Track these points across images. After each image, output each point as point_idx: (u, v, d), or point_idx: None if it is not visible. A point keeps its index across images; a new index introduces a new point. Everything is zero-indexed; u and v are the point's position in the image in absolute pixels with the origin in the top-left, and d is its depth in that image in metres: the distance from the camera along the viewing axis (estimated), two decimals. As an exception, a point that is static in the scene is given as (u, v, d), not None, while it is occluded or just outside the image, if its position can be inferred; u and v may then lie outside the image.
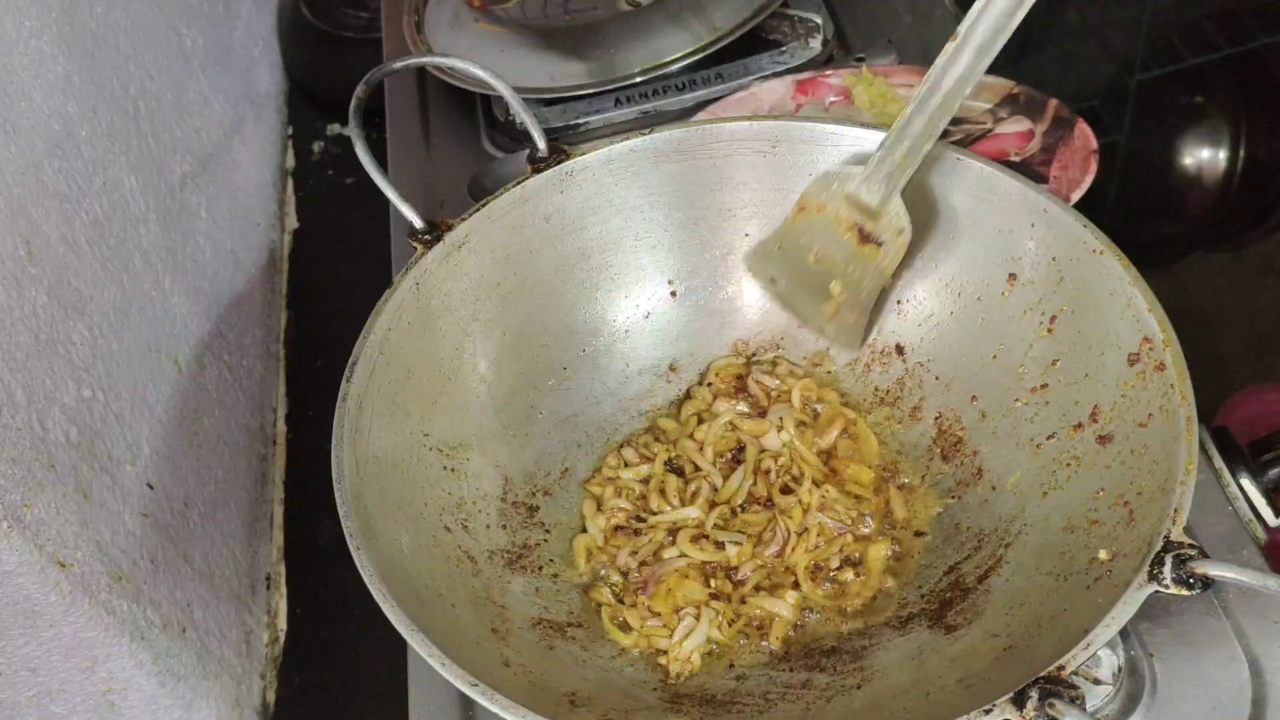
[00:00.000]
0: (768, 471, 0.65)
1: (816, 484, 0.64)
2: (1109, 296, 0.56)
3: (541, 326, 0.69)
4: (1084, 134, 0.76)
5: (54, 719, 0.75)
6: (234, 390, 1.03)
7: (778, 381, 0.69)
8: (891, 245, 0.62)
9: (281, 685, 0.96)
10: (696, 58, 0.89)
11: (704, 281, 0.72)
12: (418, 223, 0.64)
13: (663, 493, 0.65)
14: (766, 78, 0.88)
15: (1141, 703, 0.55)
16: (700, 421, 0.69)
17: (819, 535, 0.62)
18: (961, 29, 0.57)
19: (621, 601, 0.61)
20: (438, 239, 0.64)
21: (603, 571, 0.63)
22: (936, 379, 0.67)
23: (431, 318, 0.64)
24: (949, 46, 0.57)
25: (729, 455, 0.67)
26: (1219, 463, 0.63)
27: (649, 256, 0.71)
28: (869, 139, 0.65)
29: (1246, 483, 0.63)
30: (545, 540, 0.64)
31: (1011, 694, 0.43)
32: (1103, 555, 0.50)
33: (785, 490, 0.64)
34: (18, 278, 0.70)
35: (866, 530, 0.63)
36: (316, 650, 0.99)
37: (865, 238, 0.62)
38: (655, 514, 0.64)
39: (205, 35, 1.19)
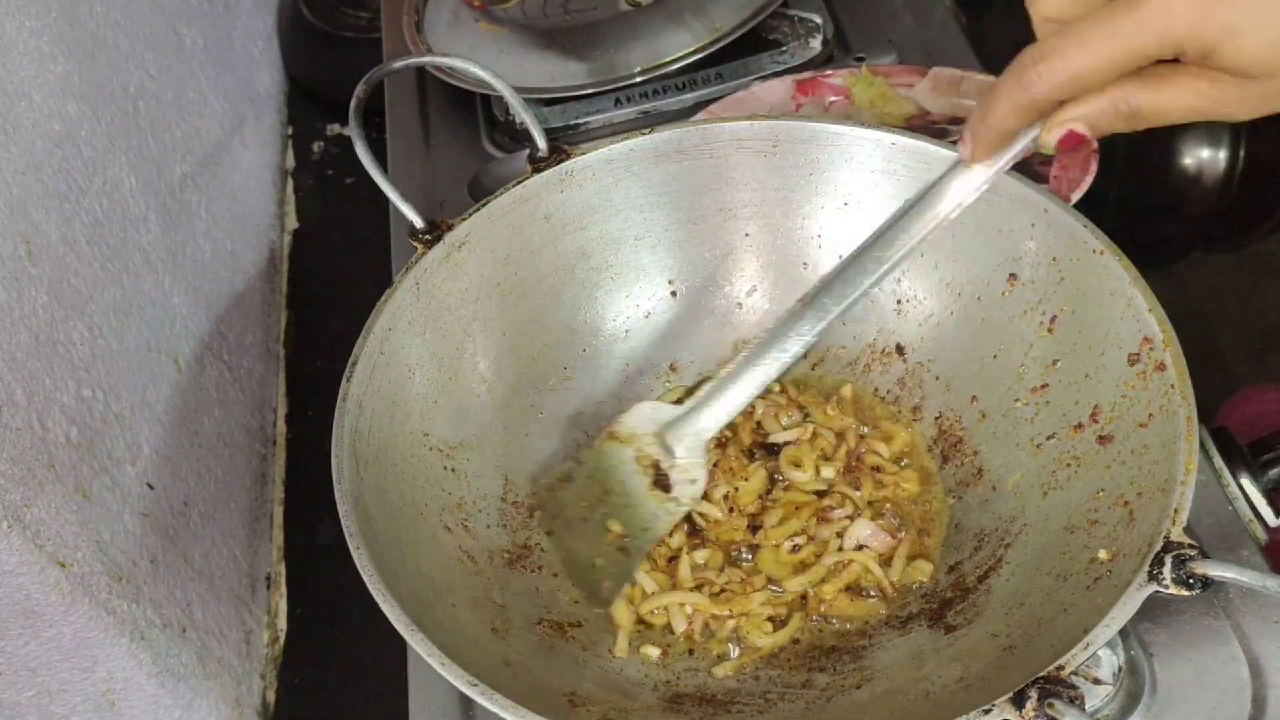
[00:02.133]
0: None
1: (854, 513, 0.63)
2: (1109, 296, 0.56)
3: (541, 326, 0.69)
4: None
5: (54, 719, 0.75)
6: (234, 390, 1.03)
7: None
8: (683, 495, 0.59)
9: (281, 685, 0.96)
10: (696, 58, 0.89)
11: (704, 281, 0.72)
12: (418, 222, 0.64)
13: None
14: (766, 78, 0.88)
15: (1141, 703, 0.55)
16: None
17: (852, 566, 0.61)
18: (808, 294, 0.56)
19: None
20: (438, 239, 0.64)
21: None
22: (936, 379, 0.67)
23: (432, 317, 0.64)
24: (785, 315, 0.56)
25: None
26: (1219, 463, 0.63)
27: (649, 256, 0.71)
28: (869, 139, 0.65)
29: (1246, 483, 0.63)
30: (545, 540, 0.64)
31: (1011, 694, 0.43)
32: (1103, 555, 0.50)
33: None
34: (18, 278, 0.70)
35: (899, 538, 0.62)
36: (316, 650, 0.99)
37: (659, 481, 0.59)
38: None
39: (205, 35, 1.19)
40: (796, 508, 0.63)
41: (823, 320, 0.55)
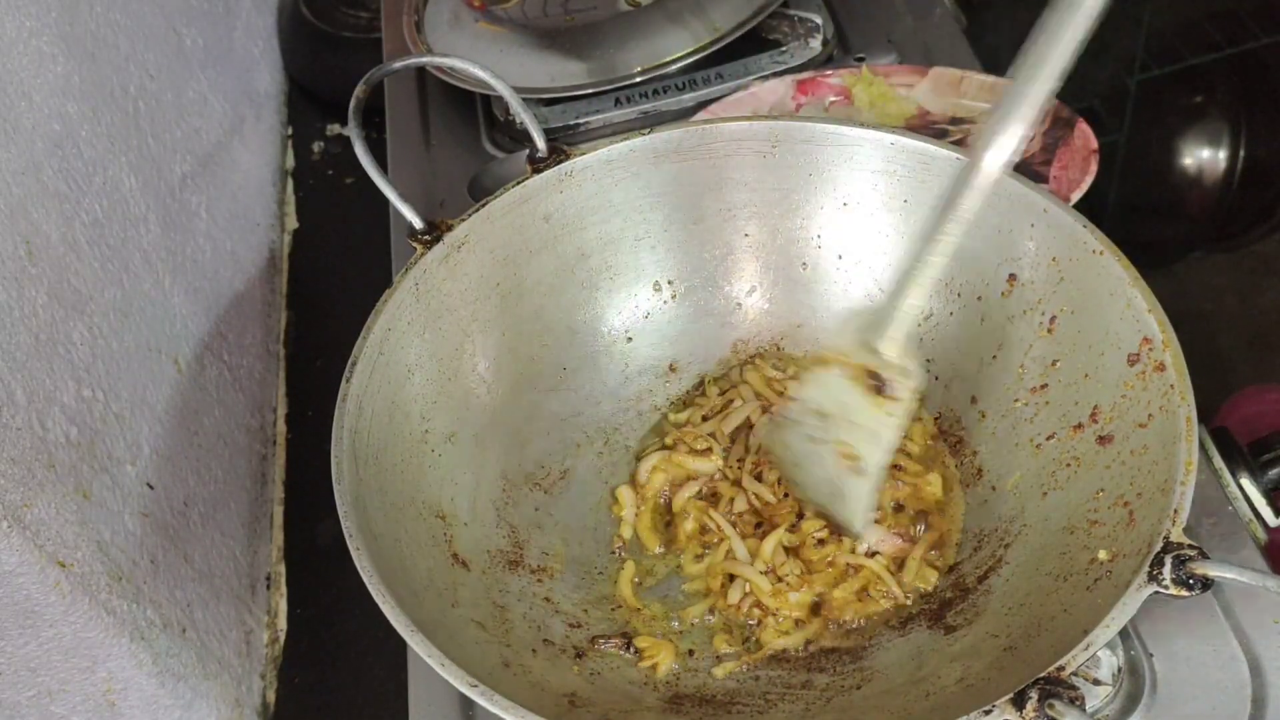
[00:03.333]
0: None
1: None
2: (1109, 297, 0.56)
3: (541, 326, 0.69)
4: (1084, 134, 0.76)
5: (54, 719, 0.75)
6: (234, 390, 1.03)
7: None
8: (901, 392, 0.56)
9: (281, 685, 0.96)
10: (696, 58, 0.89)
11: (704, 281, 0.72)
12: (418, 223, 0.64)
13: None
14: (766, 78, 0.88)
15: (1141, 703, 0.55)
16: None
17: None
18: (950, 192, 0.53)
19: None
20: (437, 239, 0.64)
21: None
22: (936, 379, 0.67)
23: (431, 318, 0.64)
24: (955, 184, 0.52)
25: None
26: (1219, 463, 0.63)
27: (649, 256, 0.71)
28: (869, 139, 0.65)
29: (1246, 483, 0.63)
30: (545, 540, 0.64)
31: (1011, 694, 0.43)
32: (1103, 556, 0.50)
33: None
34: (18, 278, 0.70)
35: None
36: (316, 650, 0.99)
37: (875, 386, 0.57)
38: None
39: (205, 35, 1.19)
40: None
41: (974, 196, 0.51)
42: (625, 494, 0.66)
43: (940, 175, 0.64)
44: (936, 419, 0.66)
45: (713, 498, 0.65)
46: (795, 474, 0.62)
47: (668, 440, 0.69)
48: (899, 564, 0.61)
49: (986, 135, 0.50)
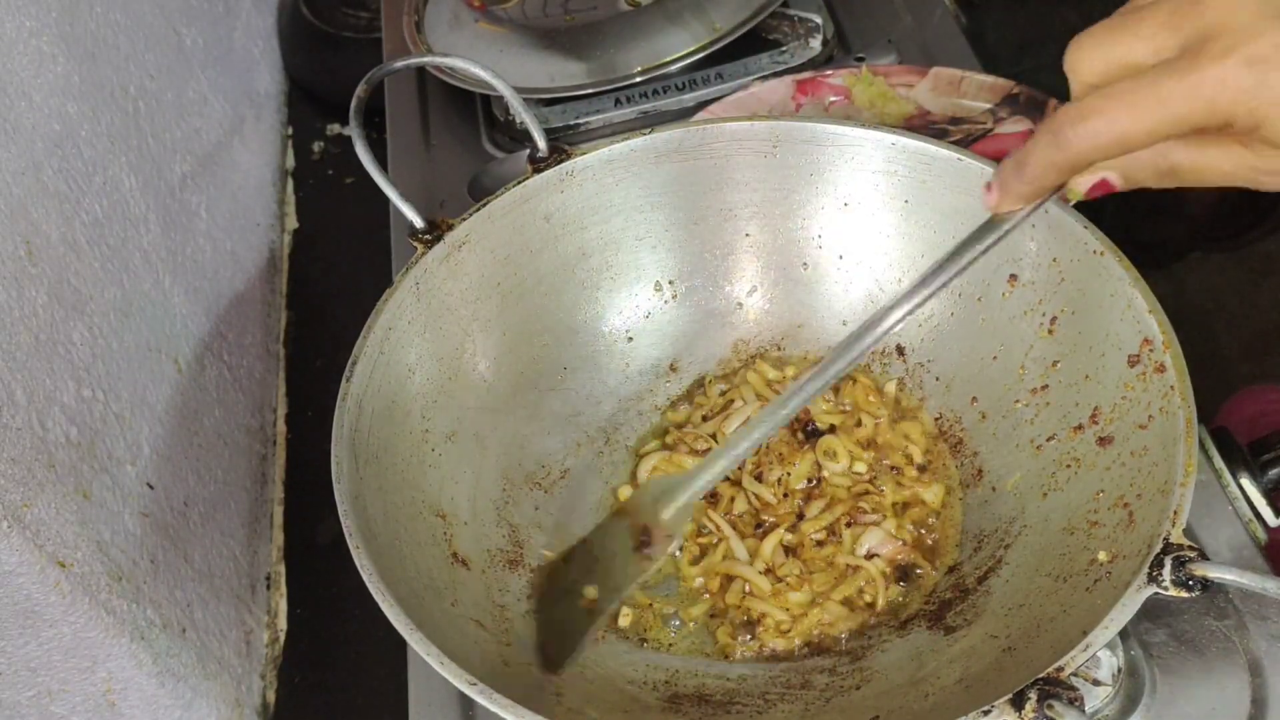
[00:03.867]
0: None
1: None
2: (1109, 298, 0.56)
3: (542, 326, 0.69)
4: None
5: (54, 719, 0.75)
6: (234, 390, 1.03)
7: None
8: (658, 552, 0.59)
9: (281, 685, 0.96)
10: (696, 58, 0.89)
11: (704, 281, 0.72)
12: (418, 222, 0.64)
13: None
14: (766, 78, 0.88)
15: (1141, 703, 0.55)
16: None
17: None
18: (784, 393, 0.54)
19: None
20: (438, 239, 0.64)
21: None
22: (936, 380, 0.67)
23: (432, 317, 0.64)
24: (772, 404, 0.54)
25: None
26: (1219, 463, 0.63)
27: (649, 256, 0.71)
28: (869, 139, 0.65)
29: (1246, 483, 0.63)
30: (545, 540, 0.64)
31: (1010, 695, 0.43)
32: (1102, 557, 0.50)
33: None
34: (18, 278, 0.70)
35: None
36: (316, 650, 0.99)
37: (642, 544, 0.59)
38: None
39: (205, 35, 1.19)
40: (834, 502, 0.64)
41: (819, 384, 0.52)
42: (626, 494, 0.66)
43: (940, 175, 0.64)
44: (937, 419, 0.66)
45: (712, 498, 0.65)
46: (542, 607, 0.62)
47: (668, 439, 0.69)
48: (896, 567, 0.61)
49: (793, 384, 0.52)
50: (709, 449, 0.67)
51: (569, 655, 0.58)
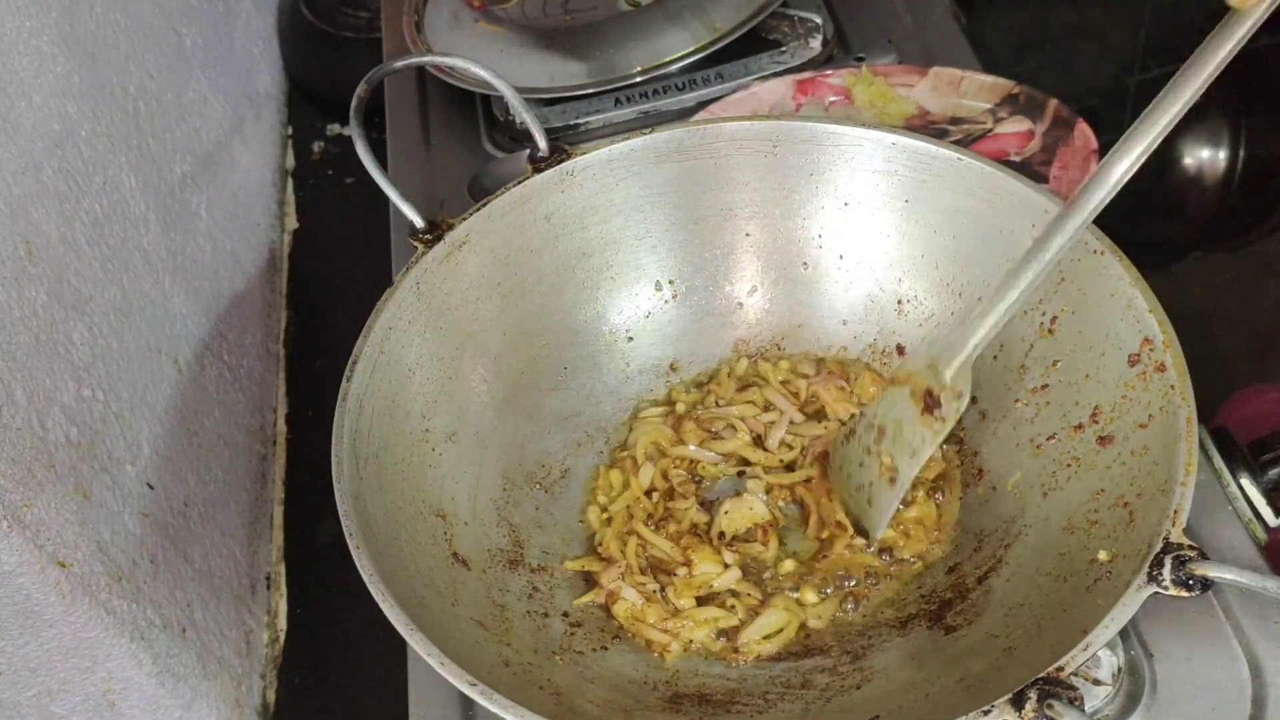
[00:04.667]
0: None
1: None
2: (1109, 297, 0.56)
3: (542, 326, 0.69)
4: (1084, 134, 0.76)
5: (54, 719, 0.75)
6: (234, 390, 1.03)
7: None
8: (949, 412, 0.58)
9: (281, 685, 0.96)
10: (696, 58, 0.89)
11: (705, 281, 0.72)
12: (418, 222, 0.64)
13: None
14: (766, 78, 0.88)
15: (1141, 703, 0.55)
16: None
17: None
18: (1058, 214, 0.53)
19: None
20: (438, 238, 0.64)
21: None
22: (936, 379, 0.67)
23: (432, 317, 0.64)
24: (1056, 218, 0.53)
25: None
26: (1219, 463, 0.63)
27: (650, 256, 0.71)
28: (869, 139, 0.65)
29: (1246, 483, 0.63)
30: (545, 540, 0.64)
31: (1010, 695, 0.43)
32: (1102, 556, 0.50)
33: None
34: (18, 278, 0.70)
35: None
36: (316, 650, 0.99)
37: (929, 406, 0.59)
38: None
39: (205, 35, 1.19)
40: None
41: (1071, 231, 0.52)
42: (614, 476, 0.67)
43: (940, 175, 0.64)
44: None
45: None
46: (839, 481, 0.65)
47: (679, 408, 0.69)
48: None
49: (1086, 183, 0.52)
50: (727, 426, 0.68)
51: (880, 523, 0.62)
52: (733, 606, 0.61)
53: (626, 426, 0.70)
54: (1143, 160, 0.50)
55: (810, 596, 0.61)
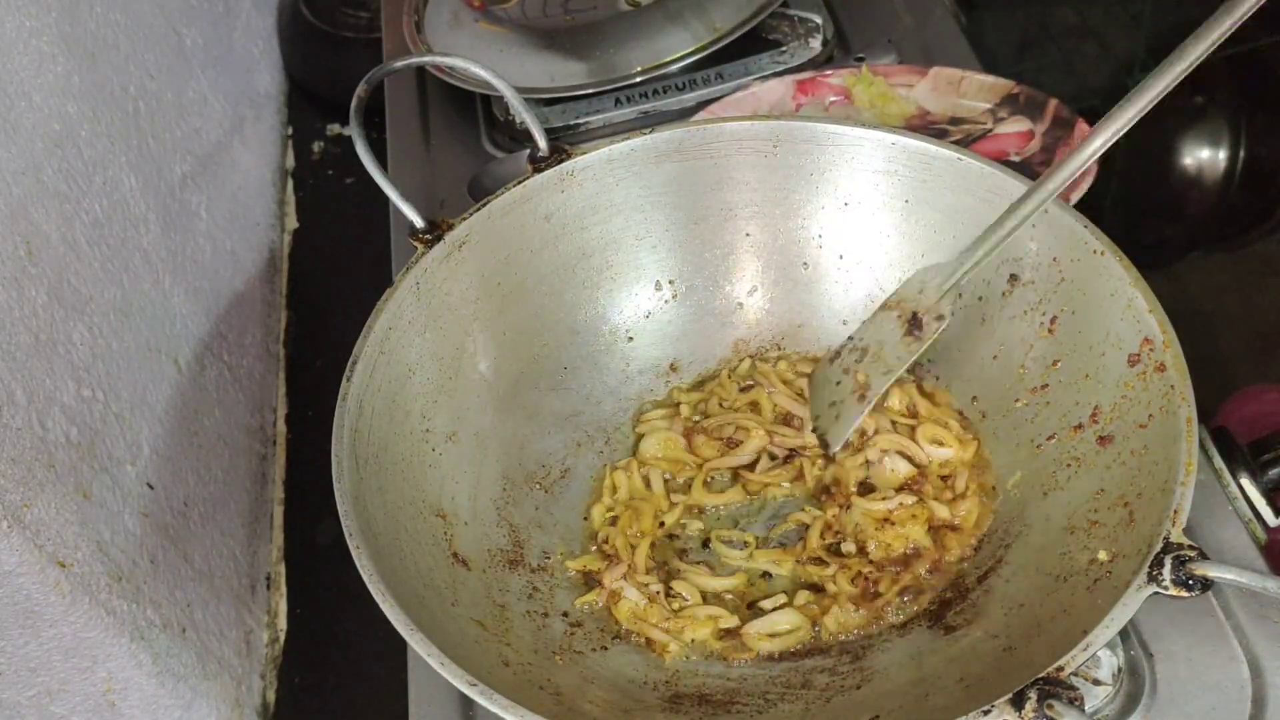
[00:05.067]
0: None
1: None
2: (1109, 297, 0.56)
3: (542, 326, 0.69)
4: (1084, 134, 0.76)
5: (54, 719, 0.75)
6: (234, 390, 1.03)
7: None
8: (928, 331, 0.62)
9: (281, 685, 0.96)
10: (696, 58, 0.89)
11: (705, 281, 0.72)
12: (418, 222, 0.64)
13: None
14: (766, 78, 0.88)
15: (1141, 703, 0.55)
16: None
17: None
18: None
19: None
20: (438, 238, 0.64)
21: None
22: (937, 379, 0.67)
23: (432, 317, 0.64)
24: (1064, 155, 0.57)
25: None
26: (1219, 463, 0.63)
27: (650, 256, 0.71)
28: (869, 139, 0.65)
29: (1246, 483, 0.63)
30: (546, 540, 0.64)
31: (1010, 695, 0.43)
32: (1102, 556, 0.50)
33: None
34: (18, 278, 0.70)
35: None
36: (316, 650, 0.99)
37: (911, 327, 0.63)
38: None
39: (205, 35, 1.19)
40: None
41: (1056, 185, 0.56)
42: (621, 479, 0.67)
43: (940, 175, 0.64)
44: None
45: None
46: (815, 397, 0.67)
47: (683, 410, 0.69)
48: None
49: (1099, 124, 0.56)
50: (737, 432, 0.67)
51: (842, 435, 0.65)
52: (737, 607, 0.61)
53: (628, 427, 0.70)
54: (1128, 127, 0.55)
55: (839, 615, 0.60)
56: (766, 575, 0.62)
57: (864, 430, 0.65)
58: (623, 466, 0.68)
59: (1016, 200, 0.58)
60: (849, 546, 0.62)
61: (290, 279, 1.28)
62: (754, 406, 0.69)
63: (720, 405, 0.69)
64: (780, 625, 0.59)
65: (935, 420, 0.65)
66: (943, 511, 0.61)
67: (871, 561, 0.61)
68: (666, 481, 0.67)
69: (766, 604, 0.61)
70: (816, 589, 0.61)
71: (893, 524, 0.61)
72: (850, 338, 0.67)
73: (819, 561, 0.62)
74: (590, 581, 0.63)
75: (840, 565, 0.61)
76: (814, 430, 0.67)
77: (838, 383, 0.66)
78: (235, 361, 1.05)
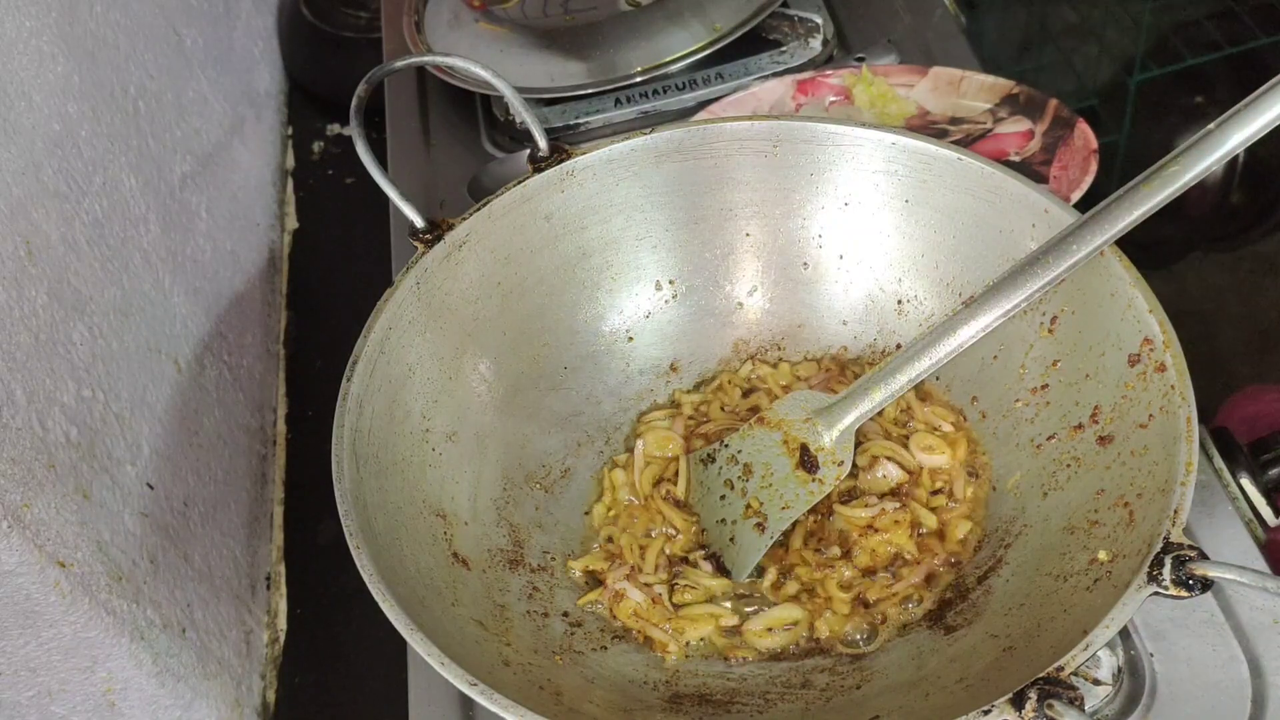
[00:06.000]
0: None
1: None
2: (1110, 297, 0.56)
3: (542, 326, 0.69)
4: (1084, 134, 0.76)
5: (54, 719, 0.75)
6: (234, 390, 1.03)
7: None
8: (827, 476, 0.61)
9: (281, 685, 0.96)
10: (696, 58, 0.89)
11: (705, 281, 0.72)
12: (419, 222, 0.64)
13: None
14: (766, 78, 0.88)
15: (1141, 703, 0.55)
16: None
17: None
18: (976, 295, 0.57)
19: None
20: (438, 238, 0.64)
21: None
22: (937, 379, 0.67)
23: (432, 317, 0.64)
24: (955, 313, 0.58)
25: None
26: (1219, 463, 0.63)
27: (650, 256, 0.71)
28: (869, 139, 0.65)
29: (1246, 483, 0.63)
30: (546, 540, 0.64)
31: (1010, 695, 0.43)
32: (1102, 556, 0.50)
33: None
34: (18, 278, 0.70)
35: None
36: (316, 650, 0.99)
37: (805, 462, 0.61)
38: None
39: (205, 35, 1.19)
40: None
41: (986, 321, 0.56)
42: (618, 477, 0.67)
43: (940, 175, 0.64)
44: (937, 419, 0.66)
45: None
46: (701, 507, 0.65)
47: (685, 409, 0.69)
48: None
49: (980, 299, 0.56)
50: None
51: (746, 566, 0.61)
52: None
53: (628, 427, 0.70)
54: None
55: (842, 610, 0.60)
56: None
57: (855, 440, 0.65)
58: (622, 464, 0.68)
59: (912, 347, 0.58)
60: (833, 551, 0.62)
61: (290, 279, 1.28)
62: (755, 412, 0.69)
63: (722, 410, 0.69)
64: (781, 619, 0.59)
65: (928, 425, 0.65)
66: (929, 520, 0.61)
67: (856, 566, 0.61)
68: (660, 483, 0.66)
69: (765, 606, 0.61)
70: (810, 592, 0.61)
71: (876, 530, 0.61)
72: (725, 442, 0.64)
73: (804, 564, 0.62)
74: (592, 581, 0.63)
75: (826, 571, 0.61)
76: (702, 547, 0.63)
77: (722, 497, 0.63)
78: (235, 361, 1.05)
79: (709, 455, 0.65)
